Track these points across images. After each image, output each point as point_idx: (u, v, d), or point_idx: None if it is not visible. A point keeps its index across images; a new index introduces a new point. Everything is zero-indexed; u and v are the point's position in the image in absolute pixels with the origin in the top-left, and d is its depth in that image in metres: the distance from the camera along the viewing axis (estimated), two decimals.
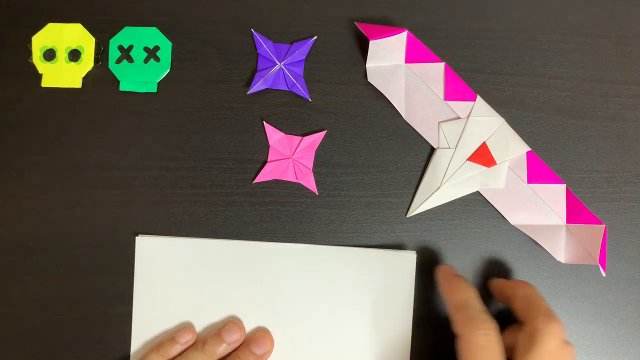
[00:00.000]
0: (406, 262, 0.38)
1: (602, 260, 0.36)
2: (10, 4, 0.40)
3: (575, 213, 0.38)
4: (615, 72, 0.40)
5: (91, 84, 0.40)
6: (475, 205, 0.39)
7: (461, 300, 0.33)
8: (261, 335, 0.37)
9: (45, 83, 0.40)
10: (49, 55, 0.40)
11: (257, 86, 0.39)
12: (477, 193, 0.39)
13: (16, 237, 0.39)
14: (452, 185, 0.38)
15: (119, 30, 0.40)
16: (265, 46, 0.39)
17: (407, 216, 0.39)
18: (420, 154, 0.39)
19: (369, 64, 0.39)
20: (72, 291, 0.38)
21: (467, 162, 0.38)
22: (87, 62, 0.40)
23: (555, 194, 0.38)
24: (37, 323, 0.38)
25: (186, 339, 0.36)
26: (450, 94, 0.39)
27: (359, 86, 0.40)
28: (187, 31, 0.40)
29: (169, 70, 0.40)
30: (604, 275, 0.36)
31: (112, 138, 0.39)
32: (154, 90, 0.40)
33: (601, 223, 0.37)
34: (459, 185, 0.38)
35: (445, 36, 0.40)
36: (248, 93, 0.39)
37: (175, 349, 0.36)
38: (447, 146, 0.39)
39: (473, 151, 0.38)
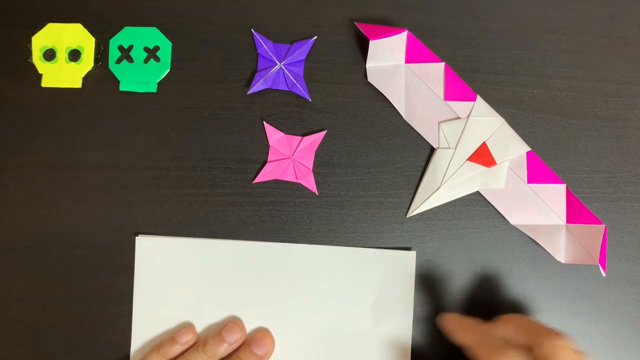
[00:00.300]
0: (406, 261, 0.38)
1: (602, 260, 0.36)
2: (10, 4, 0.40)
3: (575, 213, 0.38)
4: (615, 72, 0.40)
5: (91, 84, 0.40)
6: (475, 205, 0.39)
7: (478, 337, 0.33)
8: (262, 335, 0.37)
9: (45, 83, 0.40)
10: (49, 55, 0.40)
11: (257, 86, 0.39)
12: (477, 193, 0.39)
13: (16, 237, 0.39)
14: (452, 185, 0.38)
15: (119, 30, 0.40)
16: (265, 46, 0.39)
17: (407, 216, 0.39)
18: (420, 154, 0.39)
19: (369, 64, 0.39)
20: (72, 291, 0.38)
21: (467, 162, 0.38)
22: (87, 62, 0.40)
23: (555, 194, 0.38)
24: (37, 323, 0.38)
25: (186, 339, 0.36)
26: (450, 94, 0.39)
27: (359, 86, 0.40)
28: (187, 31, 0.40)
29: (169, 70, 0.40)
30: (604, 275, 0.36)
31: (112, 138, 0.39)
32: (154, 90, 0.40)
33: (601, 223, 0.37)
34: (459, 185, 0.38)
35: (445, 36, 0.40)
36: (248, 93, 0.39)
37: (176, 349, 0.36)
38: (447, 146, 0.39)
39: (473, 151, 0.38)
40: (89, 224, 0.39)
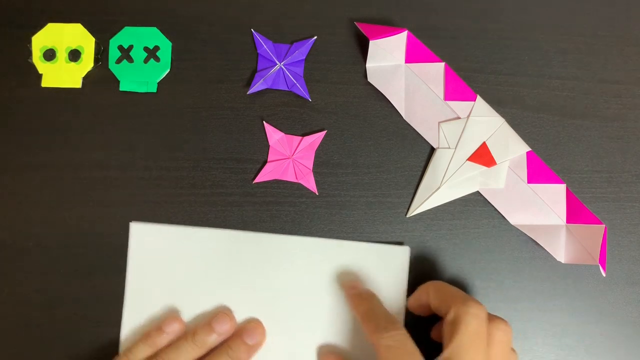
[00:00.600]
0: (400, 256, 0.38)
1: (602, 260, 0.36)
2: (10, 4, 0.40)
3: (575, 213, 0.38)
4: (615, 72, 0.40)
5: (91, 84, 0.40)
6: (475, 205, 0.39)
7: (365, 310, 0.34)
8: (253, 325, 0.37)
9: (45, 83, 0.40)
10: (49, 55, 0.40)
11: (257, 86, 0.39)
12: (477, 193, 0.39)
13: (16, 237, 0.39)
14: (452, 185, 0.38)
15: (119, 30, 0.40)
16: (265, 46, 0.39)
17: (407, 216, 0.39)
18: (420, 154, 0.39)
19: (369, 64, 0.39)
20: (72, 290, 0.38)
21: (467, 162, 0.38)
22: (87, 62, 0.40)
23: (555, 194, 0.38)
24: (36, 320, 0.38)
25: (173, 328, 0.36)
26: (450, 94, 0.39)
27: (359, 86, 0.40)
28: (187, 31, 0.40)
29: (169, 70, 0.40)
30: (604, 275, 0.36)
31: (112, 138, 0.39)
32: (154, 90, 0.40)
33: (601, 223, 0.37)
34: (459, 185, 0.38)
35: (445, 36, 0.40)
36: (248, 93, 0.39)
37: (163, 339, 0.36)
38: (447, 146, 0.39)
39: (473, 151, 0.38)
40: (89, 224, 0.39)
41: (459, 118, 0.39)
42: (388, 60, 0.39)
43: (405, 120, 0.39)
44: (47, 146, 0.39)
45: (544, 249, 0.38)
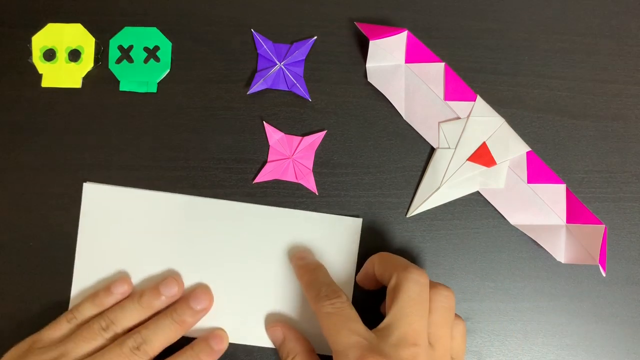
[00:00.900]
0: (352, 227, 0.38)
1: (602, 260, 0.36)
2: (10, 3, 0.40)
3: (575, 213, 0.38)
4: (615, 72, 0.40)
5: (91, 84, 0.40)
6: (475, 205, 0.39)
7: (309, 279, 0.35)
8: (200, 291, 0.37)
9: (45, 83, 0.40)
10: (49, 55, 0.40)
11: (257, 86, 0.39)
12: (477, 193, 0.39)
13: (16, 238, 0.39)
14: (452, 185, 0.38)
15: (119, 30, 0.40)
16: (265, 46, 0.39)
17: (407, 216, 0.39)
18: (420, 154, 0.39)
19: (369, 64, 0.39)
20: (70, 287, 0.38)
21: (467, 162, 0.38)
22: (87, 62, 0.40)
23: (555, 194, 0.38)
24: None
25: (121, 290, 0.36)
26: (450, 94, 0.39)
27: (359, 86, 0.40)
28: (187, 31, 0.40)
29: (169, 70, 0.40)
30: (604, 275, 0.36)
31: (112, 138, 0.39)
32: (154, 90, 0.40)
33: (601, 223, 0.37)
34: (459, 185, 0.38)
35: (445, 36, 0.40)
36: (248, 93, 0.39)
37: (111, 300, 0.36)
38: (447, 146, 0.39)
39: (473, 151, 0.38)
40: None
41: (459, 118, 0.39)
42: (388, 60, 0.39)
43: (405, 120, 0.39)
44: (47, 146, 0.39)
45: (544, 249, 0.38)
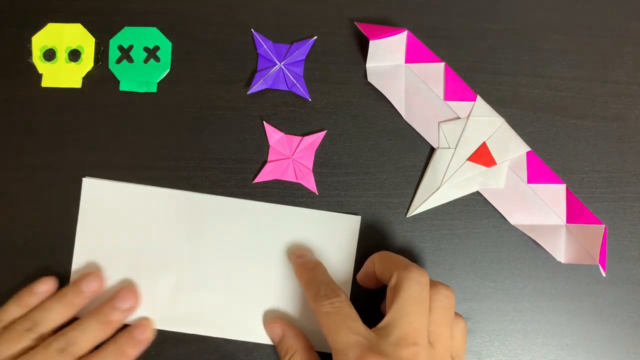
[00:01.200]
0: (350, 225, 0.38)
1: (602, 260, 0.36)
2: (10, 4, 0.40)
3: (575, 213, 0.38)
4: (615, 72, 0.40)
5: (91, 84, 0.40)
6: (475, 205, 0.39)
7: (309, 278, 0.35)
8: (126, 290, 0.36)
9: (45, 83, 0.40)
10: (49, 55, 0.40)
11: (257, 86, 0.39)
12: (477, 193, 0.39)
13: (16, 238, 0.39)
14: (452, 185, 0.38)
15: (119, 30, 0.40)
16: (265, 46, 0.39)
17: (407, 216, 0.39)
18: (420, 154, 0.39)
19: (369, 64, 0.39)
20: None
21: (467, 162, 0.38)
22: (87, 62, 0.40)
23: (555, 194, 0.38)
24: None
25: (44, 289, 0.36)
26: (450, 94, 0.39)
27: (359, 86, 0.40)
28: (187, 31, 0.40)
29: (169, 70, 0.40)
30: (604, 275, 0.36)
31: (112, 138, 0.39)
32: (154, 90, 0.40)
33: (601, 223, 0.37)
34: (459, 185, 0.38)
35: (445, 36, 0.40)
36: (248, 93, 0.39)
37: (34, 300, 0.36)
38: (447, 146, 0.39)
39: (473, 151, 0.38)
40: None
41: (459, 118, 0.39)
42: (388, 60, 0.39)
43: (405, 120, 0.39)
44: (47, 146, 0.39)
45: (544, 249, 0.38)
